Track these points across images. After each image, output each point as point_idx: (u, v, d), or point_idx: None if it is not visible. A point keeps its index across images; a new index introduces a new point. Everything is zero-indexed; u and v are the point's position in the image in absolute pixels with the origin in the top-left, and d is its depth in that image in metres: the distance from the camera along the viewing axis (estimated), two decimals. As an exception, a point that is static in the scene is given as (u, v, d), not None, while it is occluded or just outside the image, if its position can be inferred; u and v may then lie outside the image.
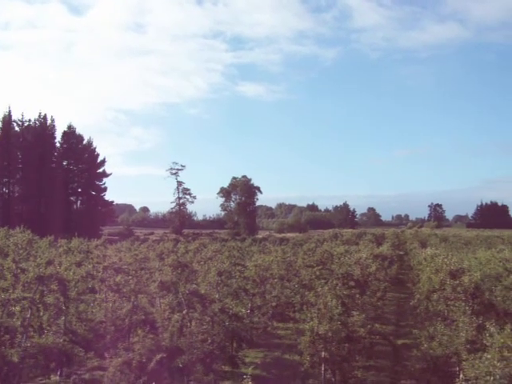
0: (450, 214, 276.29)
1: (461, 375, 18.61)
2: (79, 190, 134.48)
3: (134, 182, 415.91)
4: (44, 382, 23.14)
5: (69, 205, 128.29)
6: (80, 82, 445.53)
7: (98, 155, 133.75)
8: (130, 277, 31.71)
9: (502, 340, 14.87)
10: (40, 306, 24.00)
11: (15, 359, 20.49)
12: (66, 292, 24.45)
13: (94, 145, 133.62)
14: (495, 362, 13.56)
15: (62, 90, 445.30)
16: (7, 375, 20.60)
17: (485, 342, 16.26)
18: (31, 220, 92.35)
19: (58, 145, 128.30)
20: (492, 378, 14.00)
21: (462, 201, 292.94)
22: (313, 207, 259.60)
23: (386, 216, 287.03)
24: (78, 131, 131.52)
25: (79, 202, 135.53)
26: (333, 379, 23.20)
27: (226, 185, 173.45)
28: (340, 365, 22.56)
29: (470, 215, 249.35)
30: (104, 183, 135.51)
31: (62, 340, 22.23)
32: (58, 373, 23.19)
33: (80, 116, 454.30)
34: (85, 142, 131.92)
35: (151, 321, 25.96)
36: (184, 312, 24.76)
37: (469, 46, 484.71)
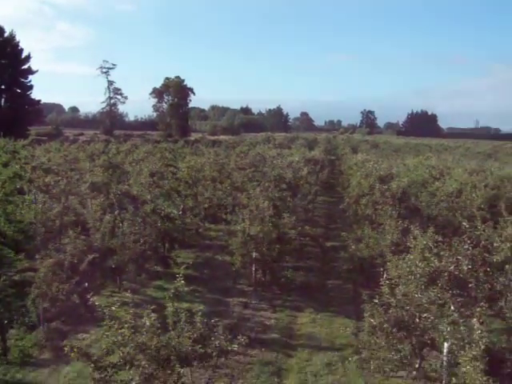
0: (381, 122, 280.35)
1: (385, 275, 19.45)
2: (2, 87, 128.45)
3: (62, 80, 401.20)
4: (-27, 282, 22.87)
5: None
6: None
7: (21, 50, 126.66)
8: (60, 177, 31.17)
9: (424, 242, 15.51)
10: (-34, 206, 23.44)
11: None
12: (-6, 192, 23.89)
13: (17, 39, 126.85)
14: (417, 262, 14.17)
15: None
16: None
17: (408, 244, 16.94)
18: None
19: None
20: (413, 277, 14.69)
21: (393, 109, 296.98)
22: (246, 110, 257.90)
23: (318, 121, 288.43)
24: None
25: (3, 100, 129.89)
26: (263, 279, 23.89)
27: (158, 85, 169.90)
28: (270, 265, 23.19)
29: (400, 123, 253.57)
30: (30, 81, 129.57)
31: (-11, 241, 21.85)
32: (-12, 274, 22.93)
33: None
34: (6, 35, 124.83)
35: (82, 222, 25.79)
36: (116, 213, 24.67)
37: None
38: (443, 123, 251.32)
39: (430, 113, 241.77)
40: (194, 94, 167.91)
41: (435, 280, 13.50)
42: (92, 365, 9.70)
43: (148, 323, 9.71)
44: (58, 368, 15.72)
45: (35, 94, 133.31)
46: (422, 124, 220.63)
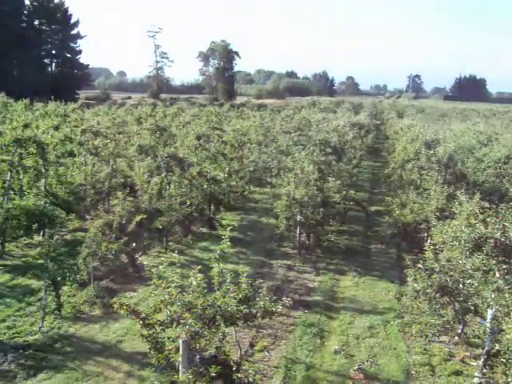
0: (428, 86, 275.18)
1: (429, 240, 19.41)
2: (53, 51, 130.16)
3: (110, 44, 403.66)
4: (27, 242, 23.66)
5: (43, 67, 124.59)
6: None
7: (70, 16, 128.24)
8: (109, 140, 31.69)
9: (470, 208, 15.40)
10: (19, 168, 24.14)
11: (-2, 220, 20.92)
12: (45, 155, 24.48)
13: (66, 4, 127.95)
14: (462, 228, 14.10)
15: None
16: (-9, 235, 21.13)
17: (454, 210, 16.82)
18: (4, 82, 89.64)
19: (27, 2, 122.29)
20: (458, 243, 14.63)
21: (441, 73, 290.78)
22: (292, 74, 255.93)
23: (364, 86, 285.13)
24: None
25: (54, 64, 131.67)
26: (307, 242, 24.08)
27: (204, 49, 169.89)
28: (315, 228, 23.35)
29: (448, 88, 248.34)
30: (78, 45, 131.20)
31: (42, 202, 22.52)
32: (41, 234, 23.69)
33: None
34: (56, 1, 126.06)
35: (130, 184, 26.36)
36: (163, 175, 25.09)
37: None
38: (492, 88, 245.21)
39: (478, 77, 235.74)
40: (239, 57, 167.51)
41: (480, 246, 13.41)
42: (140, 322, 10.05)
43: (195, 283, 9.97)
44: (107, 324, 16.29)
45: (84, 59, 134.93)
46: (470, 89, 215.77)
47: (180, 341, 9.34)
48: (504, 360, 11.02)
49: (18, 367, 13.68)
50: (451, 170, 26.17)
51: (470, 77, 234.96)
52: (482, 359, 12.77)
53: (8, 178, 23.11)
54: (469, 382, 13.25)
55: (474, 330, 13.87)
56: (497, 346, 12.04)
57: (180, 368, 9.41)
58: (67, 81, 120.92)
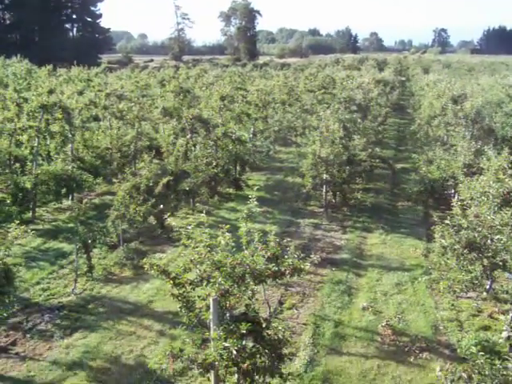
0: (454, 40, 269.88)
1: (456, 197, 19.30)
2: (74, 16, 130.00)
3: (130, 7, 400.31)
4: (57, 206, 24.04)
5: (64, 32, 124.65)
6: None
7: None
8: (133, 104, 31.78)
9: (498, 163, 15.27)
10: (46, 134, 24.41)
11: (28, 186, 21.25)
12: (71, 120, 24.66)
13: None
14: (491, 183, 14.01)
15: None
16: (22, 200, 21.50)
17: (482, 165, 16.69)
18: (27, 49, 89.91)
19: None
20: (486, 199, 14.56)
21: (468, 25, 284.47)
22: (314, 32, 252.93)
23: (388, 41, 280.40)
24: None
25: (75, 29, 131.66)
26: (333, 200, 24.12)
27: (225, 9, 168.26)
28: (341, 187, 23.34)
29: (475, 41, 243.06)
30: (99, 9, 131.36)
31: (70, 167, 22.79)
32: (70, 198, 24.02)
33: None
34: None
35: (156, 146, 26.50)
36: (188, 137, 25.16)
37: None
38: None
39: (508, 29, 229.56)
40: (261, 15, 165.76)
41: (509, 201, 13.35)
42: (171, 281, 10.21)
43: (223, 242, 10.08)
44: (138, 285, 16.59)
45: (104, 23, 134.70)
46: (499, 41, 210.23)
47: (210, 299, 9.49)
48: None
49: (54, 327, 14.07)
50: (479, 126, 25.87)
51: (499, 28, 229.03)
52: (511, 314, 12.80)
53: (36, 144, 23.37)
54: (497, 336, 13.31)
55: (502, 286, 13.87)
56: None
57: (211, 326, 9.58)
58: (89, 45, 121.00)
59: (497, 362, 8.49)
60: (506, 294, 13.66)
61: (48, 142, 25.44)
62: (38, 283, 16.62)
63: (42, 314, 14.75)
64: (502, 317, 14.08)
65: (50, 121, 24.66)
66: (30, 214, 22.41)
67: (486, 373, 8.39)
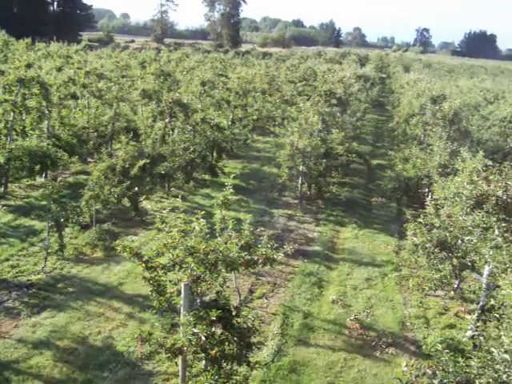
0: (436, 41, 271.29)
1: (430, 196, 19.47)
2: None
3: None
4: (30, 183, 23.75)
5: (44, 6, 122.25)
6: None
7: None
8: (113, 83, 31.47)
9: (473, 165, 15.41)
10: (22, 109, 23.97)
11: (1, 160, 20.94)
12: (49, 96, 24.30)
13: None
14: (465, 184, 14.14)
15: None
16: (-5, 175, 21.20)
17: (457, 166, 16.84)
18: (4, 20, 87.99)
19: None
20: (459, 199, 14.70)
21: (450, 27, 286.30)
22: (298, 23, 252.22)
23: (371, 37, 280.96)
24: None
25: (55, 3, 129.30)
26: (308, 193, 24.20)
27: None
28: (316, 179, 23.43)
29: (456, 43, 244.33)
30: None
31: (45, 144, 22.48)
32: (43, 175, 23.74)
33: None
34: None
35: (134, 128, 26.31)
36: (166, 120, 25.03)
37: None
38: (502, 45, 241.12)
39: (489, 33, 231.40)
40: (245, 3, 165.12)
41: (481, 204, 13.47)
42: (143, 265, 10.16)
43: (197, 228, 10.05)
44: (109, 266, 16.52)
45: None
46: (479, 44, 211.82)
47: (182, 284, 9.47)
48: (497, 315, 11.21)
49: (21, 305, 13.96)
50: (456, 127, 26.08)
51: (479, 32, 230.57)
52: (476, 314, 12.99)
53: (11, 119, 23.02)
54: (462, 335, 13.52)
55: (469, 286, 14.09)
56: (491, 302, 12.21)
57: (181, 311, 9.57)
58: (69, 21, 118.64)
59: (460, 359, 8.62)
60: (472, 294, 13.87)
61: (24, 117, 25.02)
62: (7, 260, 16.44)
63: (10, 291, 14.61)
64: (467, 316, 14.31)
65: (26, 95, 24.21)
66: (1, 189, 22.14)
67: (450, 370, 8.52)
